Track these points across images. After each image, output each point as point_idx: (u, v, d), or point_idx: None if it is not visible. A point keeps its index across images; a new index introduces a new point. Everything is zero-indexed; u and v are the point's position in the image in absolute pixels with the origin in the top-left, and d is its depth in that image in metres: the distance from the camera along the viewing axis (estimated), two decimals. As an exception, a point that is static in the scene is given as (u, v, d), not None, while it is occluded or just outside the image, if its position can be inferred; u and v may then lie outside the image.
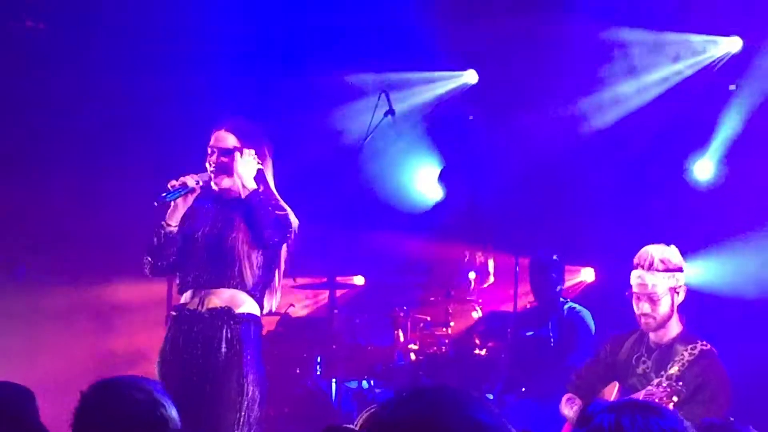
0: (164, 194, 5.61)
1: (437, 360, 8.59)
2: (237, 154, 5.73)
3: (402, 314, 8.81)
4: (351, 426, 5.08)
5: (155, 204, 5.58)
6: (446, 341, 8.72)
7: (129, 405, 3.24)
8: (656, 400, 5.56)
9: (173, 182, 5.65)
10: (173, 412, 3.29)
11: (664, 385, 5.67)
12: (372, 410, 7.35)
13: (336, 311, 8.57)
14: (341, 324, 8.86)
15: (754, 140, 8.60)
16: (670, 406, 5.55)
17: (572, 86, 9.24)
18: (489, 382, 8.33)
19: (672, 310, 5.95)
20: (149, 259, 5.76)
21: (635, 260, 5.98)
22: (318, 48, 9.33)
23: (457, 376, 8.38)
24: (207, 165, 5.77)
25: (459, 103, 9.94)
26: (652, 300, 5.92)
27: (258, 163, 5.79)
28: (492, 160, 9.72)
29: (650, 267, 5.92)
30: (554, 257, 8.42)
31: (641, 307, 5.96)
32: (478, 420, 2.17)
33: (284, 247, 5.81)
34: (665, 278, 5.91)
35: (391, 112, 8.20)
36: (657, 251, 5.95)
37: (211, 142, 5.78)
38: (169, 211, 5.70)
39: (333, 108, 9.62)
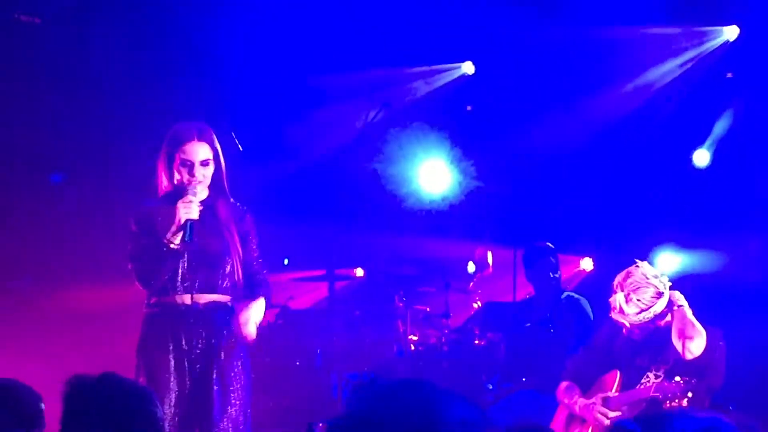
0: (187, 238, 5.70)
1: (437, 351, 8.59)
2: (212, 163, 5.85)
3: (402, 305, 8.82)
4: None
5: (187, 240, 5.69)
6: (446, 332, 8.72)
7: (121, 393, 3.28)
8: (669, 395, 5.58)
9: (184, 212, 5.71)
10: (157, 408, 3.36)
11: (677, 380, 5.65)
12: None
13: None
14: (341, 316, 8.88)
15: (752, 127, 8.61)
16: (684, 402, 5.56)
17: (572, 81, 9.24)
18: (488, 372, 8.32)
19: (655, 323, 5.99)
20: (144, 273, 5.79)
21: (610, 301, 6.06)
22: (316, 47, 9.31)
23: (456, 366, 8.39)
24: (178, 175, 5.81)
25: (457, 94, 9.94)
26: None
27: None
28: (491, 152, 9.73)
29: (623, 310, 5.97)
30: (548, 245, 8.36)
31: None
32: (447, 416, 2.17)
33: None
34: (643, 316, 5.94)
35: (387, 104, 8.20)
36: (628, 299, 5.97)
37: (188, 155, 5.81)
38: (174, 229, 5.72)
39: (331, 105, 9.62)
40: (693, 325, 5.84)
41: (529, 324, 8.23)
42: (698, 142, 8.95)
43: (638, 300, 5.91)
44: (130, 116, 8.62)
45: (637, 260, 6.08)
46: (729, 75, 8.80)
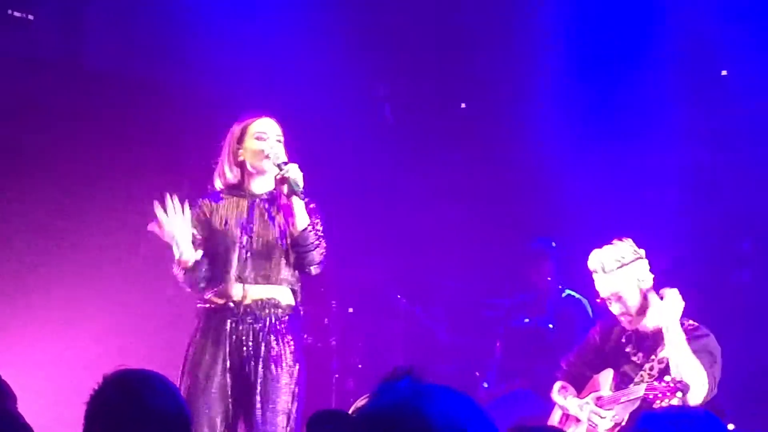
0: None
1: (432, 348, 8.58)
2: (283, 147, 5.61)
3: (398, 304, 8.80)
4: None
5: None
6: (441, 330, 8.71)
7: (152, 396, 3.23)
8: (659, 395, 5.52)
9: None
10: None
11: (667, 380, 5.60)
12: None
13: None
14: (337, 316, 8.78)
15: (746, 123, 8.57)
16: (675, 401, 5.51)
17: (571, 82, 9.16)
18: (483, 370, 8.30)
19: (644, 298, 5.92)
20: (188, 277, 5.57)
21: (590, 266, 5.98)
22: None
23: (451, 363, 8.37)
24: (256, 145, 5.57)
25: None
26: (620, 299, 5.92)
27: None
28: (489, 150, 9.67)
29: (606, 270, 5.92)
30: (552, 244, 8.32)
31: (614, 309, 5.97)
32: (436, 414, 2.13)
33: None
34: (624, 274, 5.89)
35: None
36: (607, 253, 5.93)
37: (263, 127, 5.60)
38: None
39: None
40: (691, 369, 5.60)
41: (528, 320, 8.18)
42: (694, 139, 8.86)
43: (615, 259, 5.88)
44: (123, 115, 8.48)
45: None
46: (723, 72, 8.73)
